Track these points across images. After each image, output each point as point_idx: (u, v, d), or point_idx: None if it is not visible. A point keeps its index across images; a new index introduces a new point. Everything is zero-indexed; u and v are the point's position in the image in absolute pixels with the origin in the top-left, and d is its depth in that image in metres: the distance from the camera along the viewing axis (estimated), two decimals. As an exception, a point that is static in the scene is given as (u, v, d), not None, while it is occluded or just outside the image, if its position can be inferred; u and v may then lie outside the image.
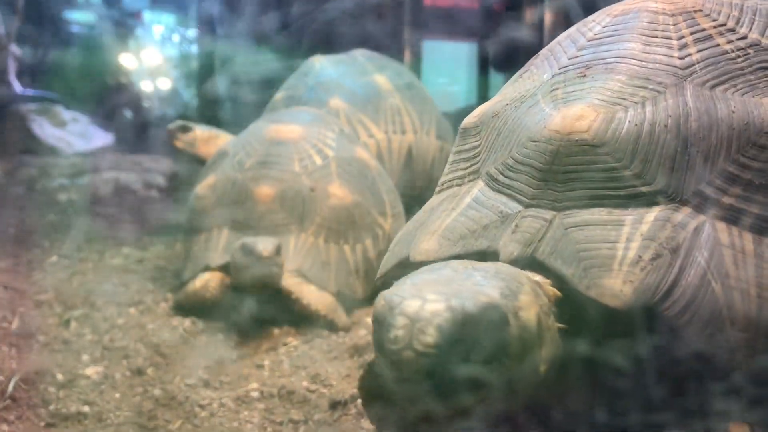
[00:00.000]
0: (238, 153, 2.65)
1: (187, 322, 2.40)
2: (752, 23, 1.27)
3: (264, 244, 2.25)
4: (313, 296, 2.40)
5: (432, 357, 0.91)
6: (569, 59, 1.34)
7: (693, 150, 1.14)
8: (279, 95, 3.78)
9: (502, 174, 1.28)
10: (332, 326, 2.39)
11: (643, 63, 1.24)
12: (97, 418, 1.76)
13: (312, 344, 2.26)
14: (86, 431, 1.71)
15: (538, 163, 1.21)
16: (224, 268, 2.47)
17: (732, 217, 1.11)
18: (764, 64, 1.22)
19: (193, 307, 2.49)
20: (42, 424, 1.74)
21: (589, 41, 1.34)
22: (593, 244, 1.11)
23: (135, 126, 9.04)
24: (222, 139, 3.71)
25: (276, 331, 2.37)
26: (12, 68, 8.47)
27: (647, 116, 1.18)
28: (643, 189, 1.14)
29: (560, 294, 1.10)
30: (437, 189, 1.46)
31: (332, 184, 2.57)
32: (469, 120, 1.44)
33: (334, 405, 1.78)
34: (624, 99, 1.21)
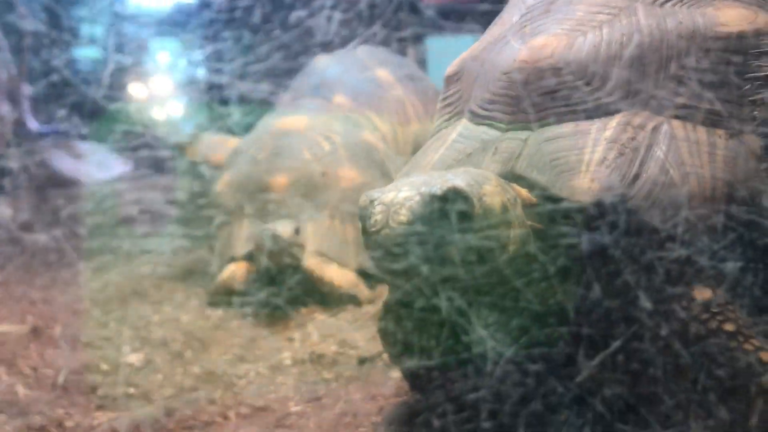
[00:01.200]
0: (251, 148, 2.77)
1: (219, 312, 2.52)
2: None
3: (283, 227, 2.37)
4: (335, 274, 2.52)
5: (407, 232, 1.04)
6: (535, 2, 1.46)
7: (647, 60, 1.27)
8: (285, 97, 3.90)
9: (482, 108, 1.40)
10: (355, 300, 2.50)
11: None
12: (144, 397, 1.88)
13: (338, 317, 2.38)
14: (134, 408, 1.83)
15: (511, 92, 1.34)
16: (248, 257, 2.59)
17: (686, 115, 1.23)
18: None
19: (223, 298, 2.62)
20: (92, 406, 1.86)
21: None
22: (563, 153, 1.24)
23: (151, 156, 9.23)
24: (230, 142, 3.83)
25: (303, 310, 2.48)
26: (26, 107, 8.69)
27: (604, 37, 1.30)
28: (605, 100, 1.26)
29: (535, 200, 1.21)
30: (429, 136, 1.57)
31: (342, 167, 2.68)
32: (450, 69, 1.57)
33: (362, 361, 1.89)
34: (583, 25, 1.32)
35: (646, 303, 1.11)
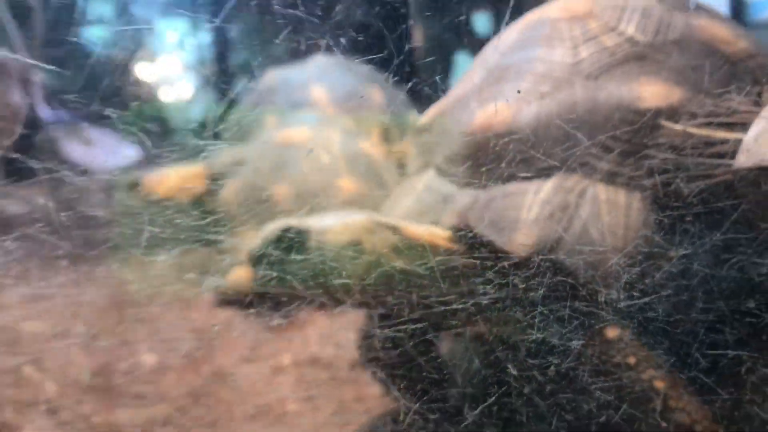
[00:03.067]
0: (255, 160, 2.98)
1: (226, 313, 2.75)
2: (629, 21, 1.59)
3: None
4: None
5: (257, 255, 1.45)
6: (493, 64, 1.67)
7: (580, 129, 1.48)
8: (231, 116, 4.16)
9: (444, 164, 1.64)
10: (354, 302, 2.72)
11: (545, 64, 1.58)
12: (158, 396, 2.12)
13: (339, 323, 2.60)
14: (150, 405, 2.07)
15: (468, 152, 1.57)
16: (253, 261, 2.81)
17: (610, 179, 1.45)
18: (636, 55, 1.54)
19: (229, 300, 2.84)
20: (114, 404, 2.09)
21: (508, 48, 1.67)
22: (505, 210, 1.48)
23: (159, 137, 9.45)
24: (173, 173, 4.11)
25: (303, 312, 2.70)
26: (38, 94, 8.89)
27: (545, 108, 1.52)
28: (544, 164, 1.49)
29: (454, 246, 1.50)
30: (406, 179, 1.80)
31: (341, 178, 2.89)
32: (423, 120, 1.80)
33: (353, 365, 2.12)
34: (530, 94, 1.54)
35: (555, 338, 1.34)
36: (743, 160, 1.32)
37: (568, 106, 1.50)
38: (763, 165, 1.31)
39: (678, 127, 1.46)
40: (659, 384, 1.36)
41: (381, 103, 4.07)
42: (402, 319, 1.54)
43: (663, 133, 1.44)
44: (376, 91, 4.15)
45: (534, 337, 1.41)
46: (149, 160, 8.30)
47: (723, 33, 1.60)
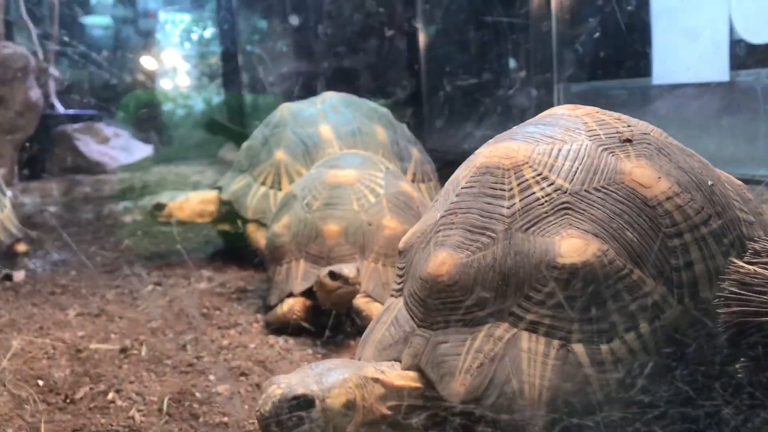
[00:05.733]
0: (306, 196, 3.23)
1: (280, 341, 3.01)
2: (560, 170, 1.66)
3: (349, 269, 2.84)
4: (379, 311, 3.00)
5: (266, 421, 1.54)
6: (450, 204, 1.77)
7: (510, 281, 1.59)
8: (245, 145, 4.48)
9: (408, 298, 1.79)
10: (396, 335, 2.99)
11: (485, 214, 1.67)
12: (237, 425, 2.37)
13: (383, 352, 2.86)
14: (234, 436, 2.32)
15: (422, 295, 1.71)
16: (305, 294, 3.08)
17: (533, 328, 1.56)
18: (563, 206, 1.61)
19: (281, 327, 3.10)
20: (198, 432, 2.35)
21: (462, 189, 1.76)
22: (446, 357, 1.62)
23: (152, 124, 9.64)
24: (192, 198, 4.43)
25: (352, 342, 2.97)
26: (53, 90, 9.07)
27: (482, 260, 1.63)
28: (479, 313, 1.62)
29: (420, 387, 1.66)
30: (390, 294, 1.99)
31: (385, 217, 3.14)
32: (401, 244, 1.95)
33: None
34: (471, 245, 1.66)
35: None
36: None
37: (501, 259, 1.60)
38: None
39: (749, 267, 1.55)
40: None
41: (384, 141, 4.35)
42: None
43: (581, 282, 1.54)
44: (380, 128, 4.43)
45: None
46: (161, 158, 8.59)
47: (645, 175, 1.64)
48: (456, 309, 1.65)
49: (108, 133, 8.90)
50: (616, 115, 1.85)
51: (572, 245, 1.56)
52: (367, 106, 4.59)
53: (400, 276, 1.93)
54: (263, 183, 4.23)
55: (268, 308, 3.25)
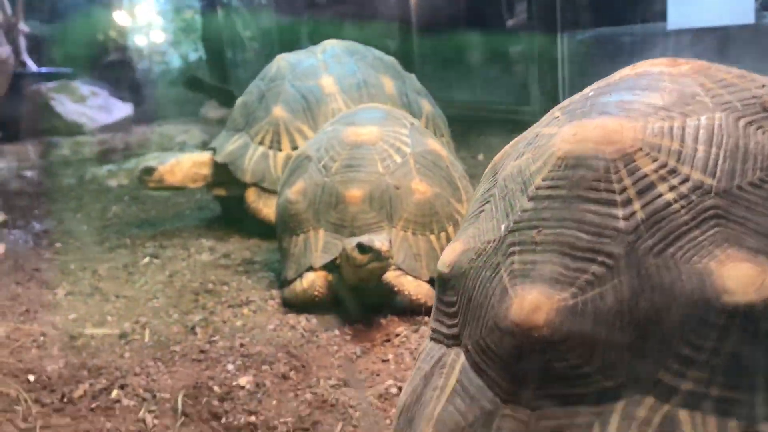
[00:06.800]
0: (322, 158, 2.86)
1: (302, 321, 2.67)
2: (693, 157, 1.14)
3: (381, 241, 2.48)
4: (412, 286, 2.66)
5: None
6: (522, 211, 1.23)
7: (648, 333, 1.07)
8: (239, 101, 4.08)
9: (477, 355, 1.24)
10: (431, 311, 2.66)
11: (588, 229, 1.13)
12: (266, 426, 2.04)
13: (420, 332, 2.53)
14: (265, 440, 1.99)
15: (506, 355, 1.17)
16: (326, 267, 2.74)
17: (694, 403, 1.04)
18: (707, 213, 1.09)
19: (301, 304, 2.76)
20: (224, 437, 2.02)
21: (539, 190, 1.22)
22: None
23: (129, 82, 9.21)
24: (184, 161, 4.03)
25: (383, 320, 2.64)
26: (24, 47, 8.56)
27: (599, 301, 1.09)
28: (606, 384, 1.09)
29: None
30: (429, 334, 1.43)
31: (413, 180, 2.79)
32: (444, 268, 1.37)
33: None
34: (576, 278, 1.12)
35: None
36: None
37: (629, 299, 1.08)
38: None
39: None
40: None
41: (393, 93, 3.97)
42: None
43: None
44: (387, 79, 4.05)
45: None
46: (142, 117, 8.12)
47: None
48: (567, 377, 1.11)
49: (84, 92, 8.44)
50: (737, 71, 1.30)
51: (740, 274, 1.05)
52: (372, 55, 4.20)
53: (448, 315, 1.35)
54: (261, 143, 3.85)
55: (283, 283, 2.91)
